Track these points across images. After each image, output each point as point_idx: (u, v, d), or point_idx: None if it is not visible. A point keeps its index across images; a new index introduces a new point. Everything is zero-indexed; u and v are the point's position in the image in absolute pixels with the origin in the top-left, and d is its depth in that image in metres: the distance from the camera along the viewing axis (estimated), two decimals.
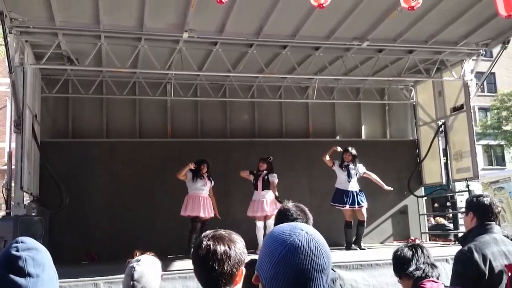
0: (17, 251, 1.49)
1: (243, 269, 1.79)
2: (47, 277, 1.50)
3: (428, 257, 2.89)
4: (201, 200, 7.98)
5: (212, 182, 8.23)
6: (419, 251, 2.89)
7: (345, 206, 8.29)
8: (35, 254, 1.50)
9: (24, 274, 1.45)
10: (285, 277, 1.20)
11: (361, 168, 8.51)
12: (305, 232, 1.25)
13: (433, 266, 2.87)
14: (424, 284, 2.74)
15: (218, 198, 8.31)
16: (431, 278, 2.82)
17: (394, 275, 3.00)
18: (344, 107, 11.07)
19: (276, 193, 8.19)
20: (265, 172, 8.28)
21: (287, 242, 1.22)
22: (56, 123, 9.65)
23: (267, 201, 8.12)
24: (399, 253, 2.94)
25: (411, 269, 2.82)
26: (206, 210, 7.95)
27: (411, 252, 2.89)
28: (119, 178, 9.33)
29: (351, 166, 8.40)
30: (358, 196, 8.35)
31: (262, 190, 8.20)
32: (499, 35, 8.48)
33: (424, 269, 2.83)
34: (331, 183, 8.99)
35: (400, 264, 2.89)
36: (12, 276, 1.44)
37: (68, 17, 7.08)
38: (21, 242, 1.51)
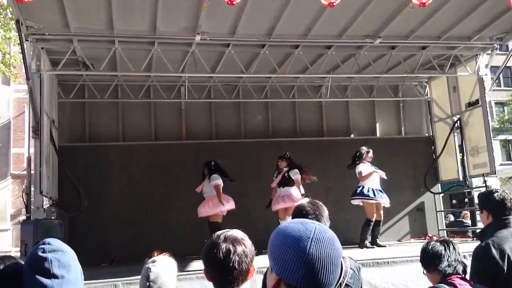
0: (43, 252, 1.53)
1: (254, 265, 1.84)
2: (72, 278, 1.54)
3: (459, 254, 2.91)
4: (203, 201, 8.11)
5: (210, 180, 8.06)
6: (451, 247, 2.91)
7: (376, 200, 8.21)
8: (61, 256, 1.54)
9: (49, 275, 1.50)
10: (318, 269, 1.26)
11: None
12: (316, 225, 1.34)
13: (462, 263, 2.89)
14: (453, 280, 2.77)
15: (234, 198, 8.29)
16: (460, 275, 2.85)
17: (421, 267, 3.03)
18: (358, 105, 11.03)
19: (302, 190, 8.04)
20: (285, 169, 8.19)
21: (310, 237, 1.29)
22: (73, 128, 9.79)
23: (284, 197, 8.00)
24: (430, 248, 2.95)
25: (443, 265, 2.85)
26: (203, 208, 8.03)
27: (442, 248, 2.90)
28: (136, 180, 9.43)
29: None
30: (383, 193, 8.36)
31: (282, 187, 8.07)
32: None
33: (455, 266, 2.86)
34: (346, 182, 8.98)
35: (431, 259, 2.91)
36: (38, 276, 1.49)
37: (83, 24, 7.19)
38: (48, 244, 1.55)
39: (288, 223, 1.38)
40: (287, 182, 8.08)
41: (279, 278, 1.30)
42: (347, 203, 8.60)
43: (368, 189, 8.24)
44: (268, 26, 7.62)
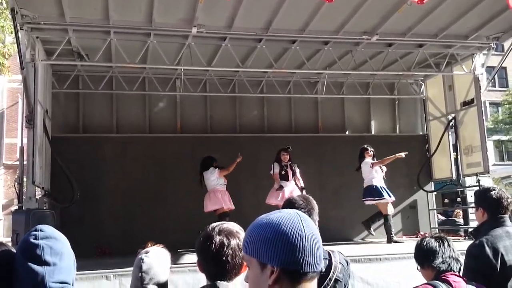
0: (35, 239, 1.50)
1: None
2: (65, 266, 1.51)
3: (453, 250, 2.88)
4: (221, 193, 8.09)
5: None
6: (445, 244, 2.87)
7: (384, 199, 8.20)
8: (54, 243, 1.51)
9: (41, 262, 1.47)
10: (315, 246, 1.29)
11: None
12: (291, 209, 1.36)
13: (457, 260, 2.87)
14: (447, 277, 2.74)
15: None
16: (454, 272, 2.83)
17: (415, 264, 2.99)
18: (354, 102, 11.03)
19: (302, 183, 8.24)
20: (289, 162, 8.30)
21: (299, 219, 1.30)
22: (67, 119, 9.73)
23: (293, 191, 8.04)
24: (425, 244, 2.91)
25: (437, 261, 2.81)
26: (229, 201, 8.06)
27: (437, 244, 2.87)
28: (129, 172, 9.39)
29: None
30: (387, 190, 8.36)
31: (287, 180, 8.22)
32: (511, 28, 8.39)
33: (449, 263, 2.82)
34: (341, 179, 8.98)
35: (425, 255, 2.88)
36: (29, 263, 1.46)
37: (78, 13, 7.12)
38: (40, 230, 1.52)
39: (265, 216, 1.35)
40: (292, 175, 8.24)
41: (279, 270, 1.26)
42: (341, 199, 8.62)
43: (381, 189, 8.24)
44: (266, 20, 7.58)
